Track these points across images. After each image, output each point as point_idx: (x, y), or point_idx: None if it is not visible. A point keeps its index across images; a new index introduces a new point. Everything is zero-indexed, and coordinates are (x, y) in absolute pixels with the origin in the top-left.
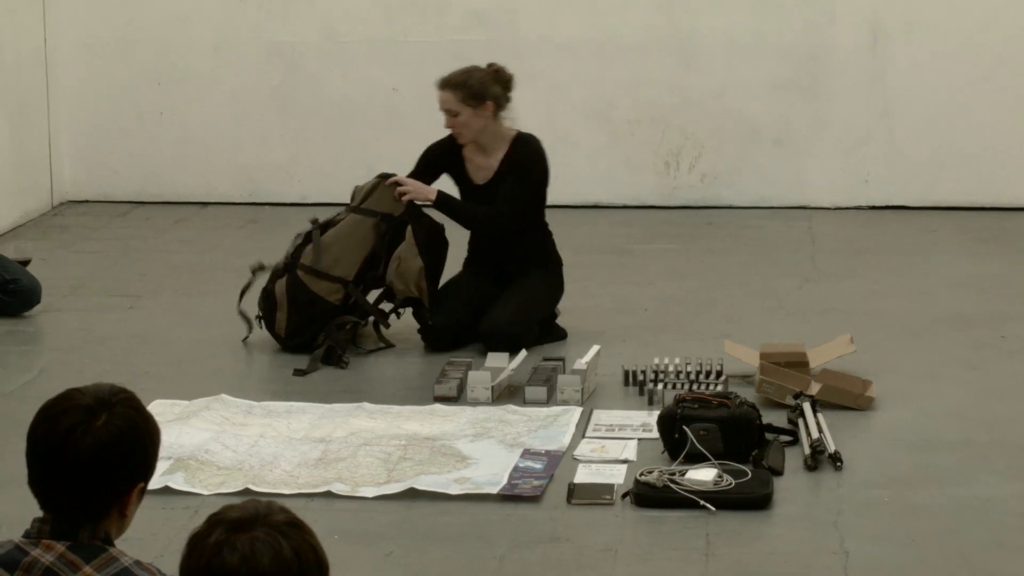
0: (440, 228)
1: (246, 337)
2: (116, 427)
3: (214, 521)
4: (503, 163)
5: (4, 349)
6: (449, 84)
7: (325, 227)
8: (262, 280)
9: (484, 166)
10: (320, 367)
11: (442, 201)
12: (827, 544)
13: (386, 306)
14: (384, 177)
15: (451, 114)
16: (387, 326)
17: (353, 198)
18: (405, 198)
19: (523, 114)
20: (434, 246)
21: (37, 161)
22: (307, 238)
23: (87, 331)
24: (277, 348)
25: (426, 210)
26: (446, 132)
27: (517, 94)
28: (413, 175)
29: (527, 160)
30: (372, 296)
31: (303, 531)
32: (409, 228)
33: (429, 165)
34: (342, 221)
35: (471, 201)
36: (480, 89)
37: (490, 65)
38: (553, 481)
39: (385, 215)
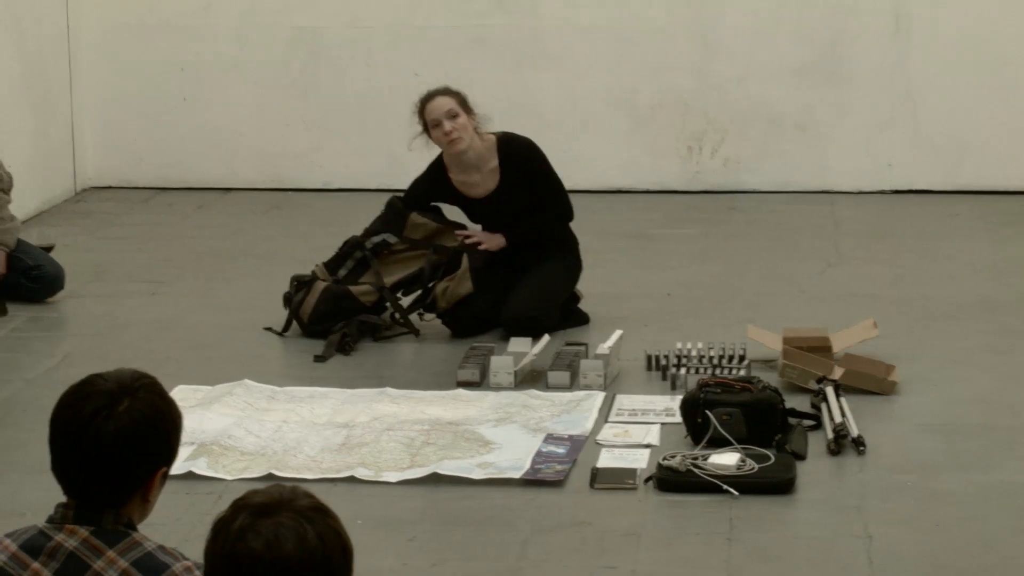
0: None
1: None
2: (139, 412)
3: (239, 506)
4: (502, 170)
5: (28, 335)
6: (446, 91)
7: (378, 250)
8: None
9: (477, 182)
10: (334, 353)
11: (514, 238)
12: (850, 528)
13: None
14: (443, 221)
15: (451, 115)
16: (418, 333)
17: (397, 216)
18: (481, 247)
19: (545, 99)
20: (484, 277)
21: (60, 147)
22: (358, 259)
23: (110, 317)
24: (299, 334)
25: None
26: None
27: (540, 79)
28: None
29: (528, 156)
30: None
31: (328, 516)
32: (465, 256)
33: (419, 202)
34: (400, 252)
35: (476, 215)
36: (467, 99)
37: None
38: (576, 466)
39: (438, 246)
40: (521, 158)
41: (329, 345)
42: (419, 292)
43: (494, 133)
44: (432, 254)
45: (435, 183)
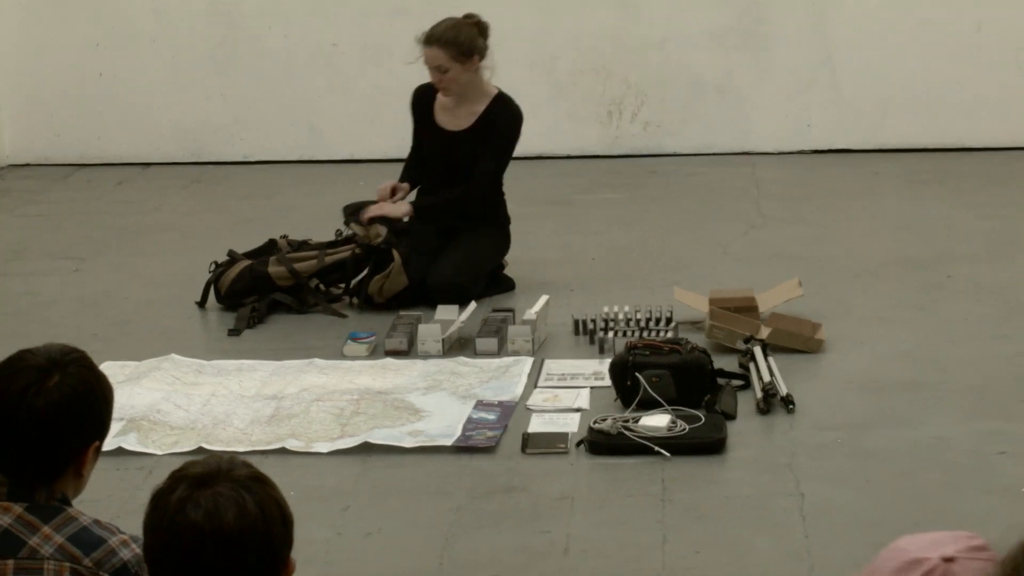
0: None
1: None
2: (69, 386)
3: (177, 477)
4: (480, 119)
5: None
6: (438, 41)
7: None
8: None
9: (457, 114)
10: (244, 327)
11: (420, 211)
12: (782, 487)
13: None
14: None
15: (440, 71)
16: (343, 315)
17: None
18: (383, 213)
19: None
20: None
21: None
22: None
23: (32, 295)
24: (224, 308)
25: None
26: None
27: None
28: (416, 127)
29: (505, 125)
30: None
31: (266, 485)
32: (395, 252)
33: (417, 113)
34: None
35: (439, 148)
36: (469, 45)
37: (469, 17)
38: (507, 431)
39: (362, 244)
40: (501, 124)
41: (240, 319)
42: (343, 285)
43: (500, 90)
44: (357, 246)
45: (422, 99)
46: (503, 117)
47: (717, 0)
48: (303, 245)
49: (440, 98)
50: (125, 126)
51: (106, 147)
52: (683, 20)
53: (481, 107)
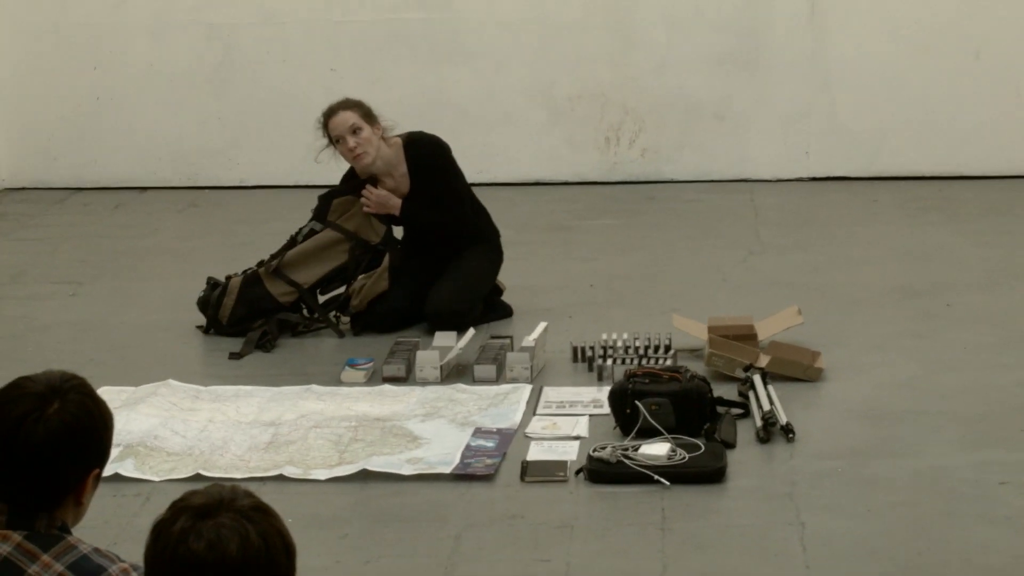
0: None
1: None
2: (69, 414)
3: (178, 508)
4: (411, 172)
5: None
6: (345, 105)
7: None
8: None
9: (392, 189)
10: (253, 351)
11: (407, 213)
12: (783, 516)
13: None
14: (355, 186)
15: (354, 130)
16: (341, 334)
17: (323, 204)
18: (365, 210)
19: (463, 93)
20: (400, 270)
21: None
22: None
23: (29, 319)
24: (218, 333)
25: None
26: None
27: (458, 73)
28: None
29: (434, 153)
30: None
31: (269, 515)
32: (387, 256)
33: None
34: (318, 234)
35: (391, 227)
36: (370, 109)
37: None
38: (506, 459)
39: (361, 240)
40: (427, 156)
41: (248, 342)
42: (339, 289)
43: (401, 135)
44: (356, 247)
45: (355, 186)
46: (423, 151)
47: (716, 27)
48: (310, 233)
49: (370, 189)
50: (122, 150)
51: (103, 171)
52: (682, 47)
53: (403, 164)
